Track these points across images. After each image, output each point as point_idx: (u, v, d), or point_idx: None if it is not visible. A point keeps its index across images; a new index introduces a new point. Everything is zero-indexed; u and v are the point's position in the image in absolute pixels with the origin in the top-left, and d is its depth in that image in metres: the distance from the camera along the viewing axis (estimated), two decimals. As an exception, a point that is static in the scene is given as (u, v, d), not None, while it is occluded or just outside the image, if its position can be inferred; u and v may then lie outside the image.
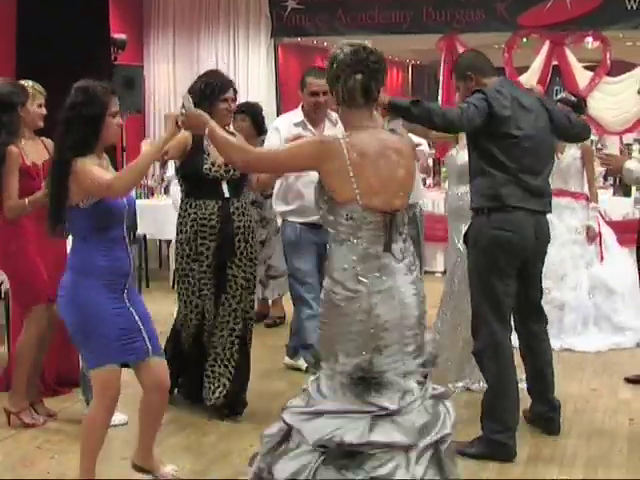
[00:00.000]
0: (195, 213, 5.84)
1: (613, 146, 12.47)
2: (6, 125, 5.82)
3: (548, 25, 11.98)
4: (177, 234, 5.95)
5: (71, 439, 5.55)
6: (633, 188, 10.11)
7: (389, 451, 3.78)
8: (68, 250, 4.83)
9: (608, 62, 12.00)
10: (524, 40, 12.45)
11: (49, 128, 6.07)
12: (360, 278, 3.86)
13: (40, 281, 5.94)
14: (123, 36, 12.00)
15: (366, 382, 3.87)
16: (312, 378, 4.07)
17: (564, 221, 7.96)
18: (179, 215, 5.97)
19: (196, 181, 5.86)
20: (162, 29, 13.50)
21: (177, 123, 4.37)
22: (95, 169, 4.46)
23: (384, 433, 3.79)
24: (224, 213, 5.84)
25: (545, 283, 5.89)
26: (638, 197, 9.80)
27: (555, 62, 11.96)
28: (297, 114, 6.71)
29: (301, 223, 6.69)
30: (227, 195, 5.88)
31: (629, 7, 11.69)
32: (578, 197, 8.07)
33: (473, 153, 5.45)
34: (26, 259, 5.95)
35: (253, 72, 13.08)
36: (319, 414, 3.87)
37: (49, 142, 5.89)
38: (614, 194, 10.74)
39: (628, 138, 12.32)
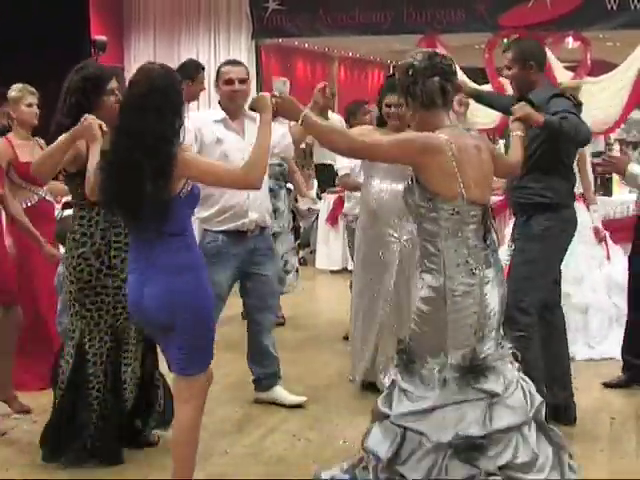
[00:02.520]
0: (107, 221, 5.05)
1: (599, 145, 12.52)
2: None
3: (528, 25, 11.98)
4: (76, 248, 5.07)
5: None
6: (615, 186, 10.13)
7: (507, 433, 4.03)
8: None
9: (589, 62, 12.02)
10: (505, 40, 12.46)
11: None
12: (474, 271, 4.09)
13: (11, 282, 6.00)
14: (104, 38, 11.98)
15: (474, 370, 4.08)
16: (399, 377, 4.24)
17: None
18: (80, 226, 5.10)
19: None
20: (143, 30, 13.50)
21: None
22: (201, 158, 4.38)
23: (501, 418, 4.04)
24: None
25: (565, 288, 5.99)
26: None
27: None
28: (217, 112, 6.02)
29: (223, 232, 5.90)
30: None
31: (609, 8, 11.74)
32: (577, 199, 7.95)
33: (547, 150, 5.48)
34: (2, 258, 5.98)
35: (234, 73, 13.06)
36: (430, 410, 4.07)
37: (43, 143, 6.32)
38: (595, 193, 10.75)
39: (608, 138, 12.34)
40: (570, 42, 12.32)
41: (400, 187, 4.68)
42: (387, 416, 4.20)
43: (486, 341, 4.15)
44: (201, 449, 4.61)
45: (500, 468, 4.00)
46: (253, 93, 11.61)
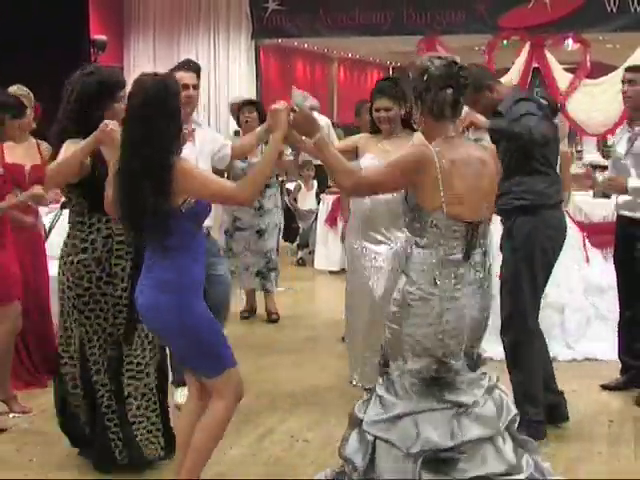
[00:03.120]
0: (109, 229, 4.92)
1: (591, 145, 12.54)
2: None
3: (528, 27, 12.01)
4: (75, 254, 4.93)
5: (51, 441, 5.54)
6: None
7: (477, 444, 4.01)
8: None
9: (588, 64, 12.03)
10: (504, 42, 12.48)
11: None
12: (437, 281, 4.03)
13: (14, 278, 6.00)
14: (103, 37, 11.99)
15: (437, 382, 4.07)
16: (380, 381, 4.23)
17: None
18: (80, 232, 4.96)
19: (103, 191, 4.72)
20: (142, 30, 13.51)
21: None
22: (196, 168, 4.28)
23: (470, 430, 4.00)
24: None
25: (553, 295, 5.97)
26: None
27: (535, 64, 11.99)
28: None
29: None
30: None
31: (609, 10, 11.76)
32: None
33: (519, 154, 5.47)
34: (2, 257, 5.95)
35: (233, 73, 13.09)
36: (399, 417, 4.06)
37: (46, 146, 6.21)
38: (594, 196, 10.76)
39: (609, 140, 12.35)
40: (570, 44, 12.34)
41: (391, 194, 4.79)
42: (361, 422, 4.20)
43: (453, 359, 4.09)
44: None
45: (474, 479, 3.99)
46: (252, 94, 11.48)
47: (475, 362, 4.20)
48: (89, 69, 5.00)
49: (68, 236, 5.02)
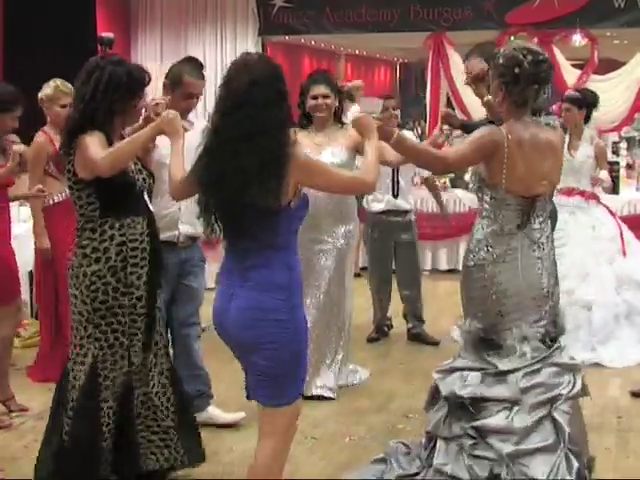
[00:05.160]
0: (123, 235, 4.52)
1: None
2: None
3: (536, 23, 12.01)
4: (88, 265, 4.50)
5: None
6: (623, 185, 10.16)
7: (498, 404, 4.34)
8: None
9: (596, 60, 12.03)
10: (512, 38, 12.46)
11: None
12: (488, 248, 4.41)
13: (15, 279, 6.04)
14: (110, 34, 11.96)
15: (487, 342, 4.44)
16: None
17: (578, 220, 7.72)
18: (91, 240, 4.52)
19: (119, 194, 4.52)
20: (150, 27, 13.53)
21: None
22: (312, 158, 4.05)
23: (491, 390, 4.35)
24: (153, 231, 4.66)
25: (568, 283, 5.90)
26: None
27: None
28: None
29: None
30: (151, 208, 4.78)
31: (617, 5, 11.75)
32: (588, 197, 7.87)
33: None
34: (6, 259, 5.97)
35: (241, 70, 13.07)
36: (453, 370, 4.49)
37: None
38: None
39: (614, 136, 12.33)
40: (578, 40, 12.32)
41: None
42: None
43: (507, 319, 4.41)
44: (206, 447, 4.61)
45: (485, 431, 4.32)
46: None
47: (543, 318, 4.47)
48: (115, 58, 4.54)
49: (77, 245, 4.56)
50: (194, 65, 5.56)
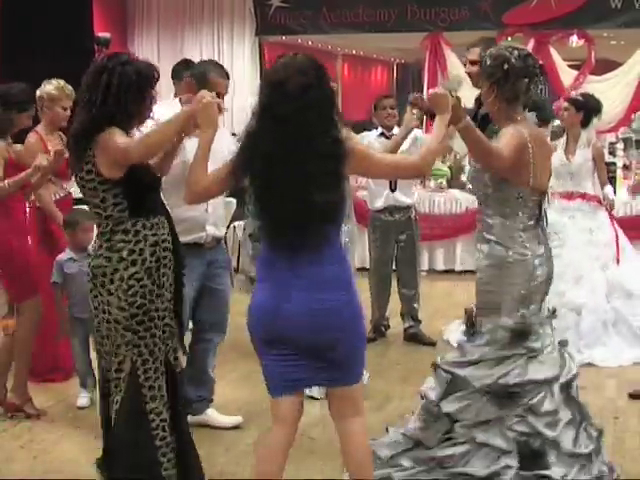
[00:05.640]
0: (155, 235, 4.31)
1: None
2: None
3: (533, 24, 12.03)
4: (125, 268, 4.25)
5: (54, 439, 5.54)
6: (619, 186, 10.15)
7: (538, 386, 4.61)
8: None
9: (593, 61, 12.04)
10: (508, 39, 12.46)
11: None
12: (526, 244, 4.59)
13: (35, 274, 6.05)
14: (107, 35, 11.98)
15: (522, 332, 4.63)
16: (464, 339, 4.89)
17: (577, 223, 7.74)
18: (125, 242, 4.27)
19: (147, 192, 4.37)
20: (146, 27, 13.52)
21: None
22: (366, 146, 4.21)
23: (536, 371, 4.61)
24: (173, 231, 4.47)
25: (560, 286, 5.93)
26: None
27: (540, 61, 11.97)
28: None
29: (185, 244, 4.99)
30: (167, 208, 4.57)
31: (613, 6, 11.76)
32: (590, 199, 7.86)
33: None
34: (25, 253, 6.05)
35: (238, 70, 13.07)
36: (476, 362, 4.64)
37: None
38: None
39: (612, 136, 12.34)
40: (574, 40, 12.33)
41: None
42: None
43: (532, 309, 4.65)
44: (203, 447, 4.60)
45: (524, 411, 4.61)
46: (255, 90, 11.49)
47: (550, 314, 4.86)
48: (123, 57, 4.33)
49: (109, 249, 4.27)
50: (216, 65, 5.71)
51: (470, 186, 4.91)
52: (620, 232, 7.97)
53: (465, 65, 6.06)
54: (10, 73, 6.78)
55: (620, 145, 11.67)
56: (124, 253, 4.24)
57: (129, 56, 4.36)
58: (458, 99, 4.29)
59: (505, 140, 4.48)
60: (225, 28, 13.33)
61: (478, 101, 5.80)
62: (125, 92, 4.19)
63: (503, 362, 4.63)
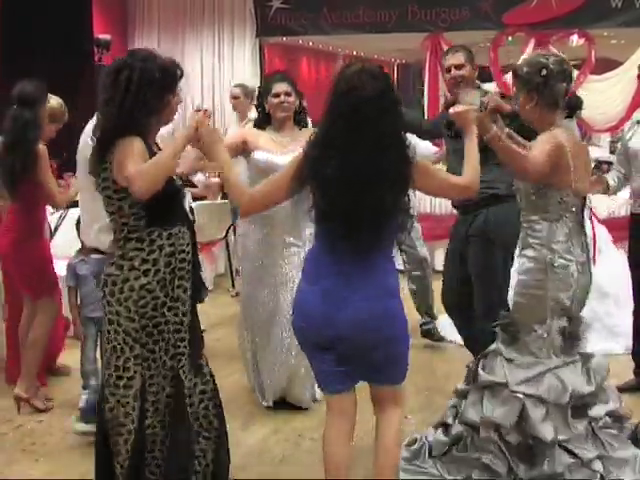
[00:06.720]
0: (172, 245, 4.12)
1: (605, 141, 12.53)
2: (29, 122, 5.93)
3: (533, 23, 12.02)
4: (136, 278, 4.08)
5: (56, 441, 5.56)
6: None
7: (605, 388, 4.79)
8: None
9: (593, 60, 12.02)
10: (509, 39, 12.47)
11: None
12: (571, 249, 4.62)
13: (53, 271, 6.18)
14: (107, 37, 11.99)
15: (575, 336, 4.71)
16: (502, 346, 4.75)
17: None
18: (139, 250, 4.09)
19: (166, 202, 4.12)
20: (146, 29, 13.50)
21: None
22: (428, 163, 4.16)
23: (599, 374, 4.75)
24: (194, 241, 4.30)
25: None
26: None
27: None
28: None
29: None
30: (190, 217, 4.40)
31: (614, 5, 11.75)
32: None
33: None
34: (43, 250, 6.19)
35: (238, 72, 13.08)
36: (543, 374, 4.62)
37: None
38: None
39: (614, 136, 12.34)
40: (575, 40, 12.33)
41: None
42: (500, 384, 4.66)
43: (578, 313, 4.73)
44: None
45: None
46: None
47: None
48: (142, 54, 4.10)
49: (121, 257, 4.11)
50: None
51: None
52: (604, 230, 8.05)
53: (449, 71, 5.99)
54: (10, 73, 6.76)
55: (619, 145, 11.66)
56: (136, 262, 4.08)
57: (150, 52, 4.13)
58: (486, 110, 4.36)
59: (539, 146, 4.49)
60: (225, 29, 13.31)
61: (448, 106, 5.88)
62: (147, 89, 3.98)
63: (567, 371, 4.66)
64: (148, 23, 13.54)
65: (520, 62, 4.75)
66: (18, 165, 5.87)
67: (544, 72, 4.55)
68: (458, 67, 5.90)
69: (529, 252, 4.67)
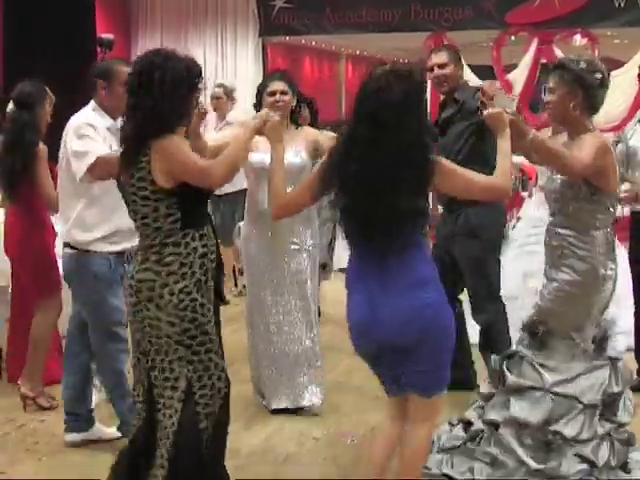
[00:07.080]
0: (204, 246, 4.07)
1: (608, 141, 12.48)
2: (28, 124, 5.94)
3: (536, 23, 12.01)
4: (175, 282, 4.00)
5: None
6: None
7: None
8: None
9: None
10: (512, 38, 12.46)
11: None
12: (614, 258, 4.62)
13: (57, 271, 6.12)
14: (110, 36, 11.96)
15: (603, 341, 4.73)
16: (529, 353, 4.75)
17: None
18: (176, 254, 4.02)
19: (199, 201, 4.12)
20: (149, 28, 13.52)
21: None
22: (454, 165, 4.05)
23: (624, 376, 4.79)
24: (216, 242, 4.22)
25: (533, 282, 6.01)
26: None
27: (543, 60, 11.97)
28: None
29: (112, 252, 5.22)
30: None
31: (617, 5, 11.74)
32: None
33: (478, 141, 5.76)
34: (49, 250, 6.20)
35: (241, 71, 13.09)
36: (575, 377, 4.63)
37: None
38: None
39: (616, 136, 12.31)
40: (578, 39, 12.32)
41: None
42: (532, 387, 4.67)
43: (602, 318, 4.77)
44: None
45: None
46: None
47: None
48: (165, 53, 4.00)
49: (157, 262, 4.02)
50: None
51: (551, 203, 4.73)
52: None
53: (432, 70, 6.04)
54: (10, 73, 6.75)
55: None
56: (174, 267, 4.00)
57: (172, 52, 4.03)
58: (516, 114, 4.30)
59: (587, 146, 4.41)
60: (228, 29, 13.31)
61: (442, 107, 6.10)
62: (179, 89, 3.94)
63: (598, 373, 4.68)
64: (151, 22, 13.55)
65: (568, 57, 4.64)
66: (18, 165, 5.88)
67: (599, 75, 4.50)
68: (441, 66, 6.01)
69: (576, 264, 4.56)
